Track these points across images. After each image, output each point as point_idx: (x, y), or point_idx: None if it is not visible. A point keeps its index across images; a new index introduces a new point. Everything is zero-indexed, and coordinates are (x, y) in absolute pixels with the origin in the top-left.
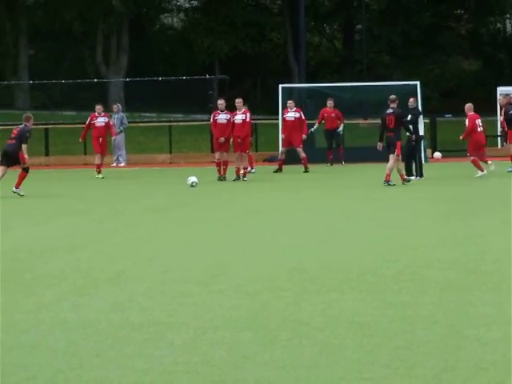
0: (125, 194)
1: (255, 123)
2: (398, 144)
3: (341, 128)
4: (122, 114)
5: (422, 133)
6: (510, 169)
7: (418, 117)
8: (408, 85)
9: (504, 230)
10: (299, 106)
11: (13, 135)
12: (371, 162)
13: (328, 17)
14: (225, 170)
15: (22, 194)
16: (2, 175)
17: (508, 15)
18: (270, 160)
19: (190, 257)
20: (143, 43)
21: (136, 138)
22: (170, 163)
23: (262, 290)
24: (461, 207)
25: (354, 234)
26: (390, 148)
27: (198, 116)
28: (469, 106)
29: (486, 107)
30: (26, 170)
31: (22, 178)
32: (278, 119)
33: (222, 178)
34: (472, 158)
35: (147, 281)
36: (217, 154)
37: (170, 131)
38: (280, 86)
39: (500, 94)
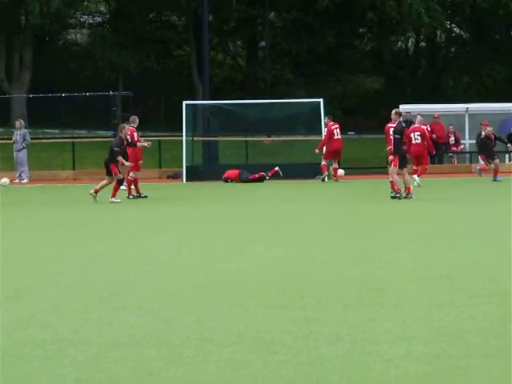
0: (26, 210)
1: (159, 140)
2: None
3: None
4: (24, 130)
5: None
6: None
7: None
8: (311, 102)
9: (406, 247)
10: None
11: None
12: (276, 179)
13: (232, 33)
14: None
15: None
16: None
17: (409, 34)
18: (174, 177)
19: (93, 273)
20: (47, 59)
21: (39, 154)
22: (74, 179)
23: (165, 306)
24: (364, 224)
25: (257, 251)
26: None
27: (102, 132)
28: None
29: None
30: None
31: None
32: (181, 136)
33: (142, 196)
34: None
35: (51, 297)
36: (137, 173)
37: (73, 147)
38: (184, 102)
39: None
